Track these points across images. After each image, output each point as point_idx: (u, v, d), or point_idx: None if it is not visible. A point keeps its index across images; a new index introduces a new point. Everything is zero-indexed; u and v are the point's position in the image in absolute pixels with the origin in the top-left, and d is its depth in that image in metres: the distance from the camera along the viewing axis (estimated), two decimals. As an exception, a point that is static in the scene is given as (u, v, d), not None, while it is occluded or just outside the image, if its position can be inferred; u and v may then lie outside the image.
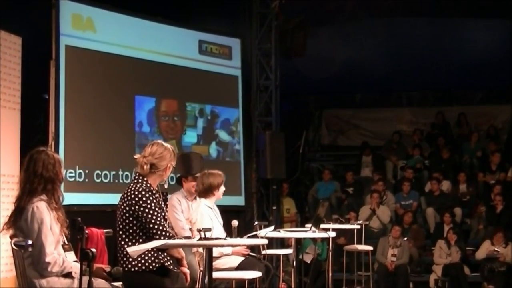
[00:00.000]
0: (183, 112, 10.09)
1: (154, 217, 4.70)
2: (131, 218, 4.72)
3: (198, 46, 10.36)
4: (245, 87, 11.05)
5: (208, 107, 10.41)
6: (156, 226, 4.70)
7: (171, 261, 4.81)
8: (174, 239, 4.71)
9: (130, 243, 4.70)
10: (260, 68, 11.48)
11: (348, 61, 13.37)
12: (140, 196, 4.71)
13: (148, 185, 4.80)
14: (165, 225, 4.74)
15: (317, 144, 15.56)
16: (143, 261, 4.69)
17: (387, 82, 14.57)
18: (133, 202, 4.71)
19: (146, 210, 4.69)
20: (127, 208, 4.72)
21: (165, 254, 4.78)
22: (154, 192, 4.80)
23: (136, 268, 4.67)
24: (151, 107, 9.67)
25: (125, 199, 4.74)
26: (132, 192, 4.73)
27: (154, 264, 4.70)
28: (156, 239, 4.66)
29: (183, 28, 10.16)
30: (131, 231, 4.73)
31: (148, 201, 4.71)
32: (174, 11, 10.00)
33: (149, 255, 4.69)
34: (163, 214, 4.81)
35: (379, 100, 15.75)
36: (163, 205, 4.87)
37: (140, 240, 4.69)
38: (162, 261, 4.72)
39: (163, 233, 4.70)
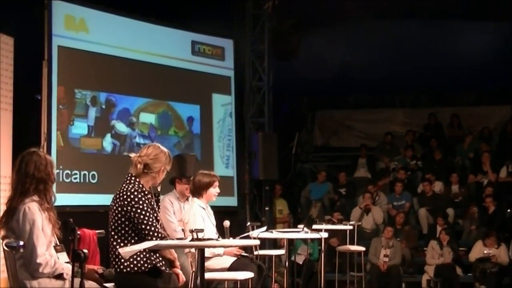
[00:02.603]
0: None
1: (146, 218, 4.70)
2: (123, 219, 4.72)
3: (191, 46, 10.35)
4: (238, 87, 11.05)
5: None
6: (148, 227, 4.69)
7: (163, 262, 4.82)
8: (166, 240, 4.71)
9: (122, 244, 4.70)
10: (253, 69, 11.49)
11: (341, 63, 13.38)
12: (132, 196, 4.71)
13: (141, 185, 4.80)
14: (157, 226, 4.74)
15: (310, 145, 15.57)
16: (135, 262, 4.69)
17: (380, 83, 14.59)
18: (125, 202, 4.71)
19: (138, 210, 4.69)
20: (120, 209, 4.72)
21: (157, 255, 4.79)
22: (146, 193, 4.80)
23: (128, 269, 4.68)
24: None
25: (118, 200, 4.74)
26: (124, 192, 4.73)
27: (146, 265, 4.70)
28: (148, 240, 4.66)
29: (176, 29, 10.15)
30: (123, 231, 4.73)
31: (140, 202, 4.71)
32: (167, 12, 10.00)
33: (141, 256, 4.70)
34: (155, 215, 4.81)
35: (372, 101, 15.77)
36: (155, 206, 4.88)
37: (132, 241, 4.69)
38: (154, 262, 4.72)
39: (155, 234, 4.70)
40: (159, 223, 4.86)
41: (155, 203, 4.90)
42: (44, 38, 8.35)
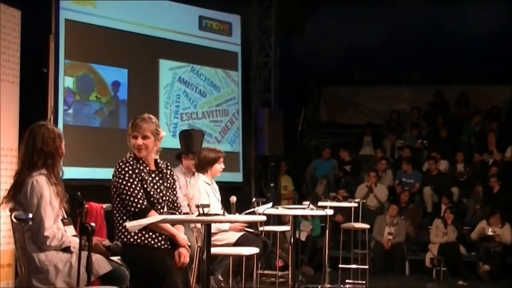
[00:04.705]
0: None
1: (127, 188, 4.67)
2: (116, 193, 4.74)
3: (199, 22, 10.32)
4: (244, 64, 11.02)
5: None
6: (127, 197, 4.67)
7: (160, 238, 4.77)
8: (149, 212, 4.68)
9: (124, 217, 4.71)
10: (260, 45, 11.45)
11: (348, 40, 13.33)
12: (120, 169, 4.72)
13: (140, 162, 4.79)
14: (141, 197, 4.68)
15: (316, 121, 15.54)
16: (139, 235, 4.70)
17: (387, 61, 14.54)
18: (113, 177, 4.74)
19: (120, 180, 4.69)
20: (113, 184, 4.75)
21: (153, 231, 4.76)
22: (138, 165, 4.75)
23: (132, 240, 4.67)
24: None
25: (113, 175, 4.78)
26: (116, 167, 4.76)
27: (149, 240, 4.71)
28: (128, 210, 4.66)
29: (184, 3, 10.11)
30: (119, 205, 4.74)
31: (123, 172, 4.69)
32: (174, -14, 9.95)
33: (147, 229, 4.70)
34: (155, 186, 4.79)
35: (378, 78, 15.71)
36: (156, 178, 4.85)
37: (128, 214, 4.69)
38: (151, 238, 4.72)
39: (134, 204, 4.66)
40: (170, 198, 4.86)
41: (169, 180, 4.90)
42: (51, 11, 8.33)
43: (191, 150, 7.23)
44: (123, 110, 9.22)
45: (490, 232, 10.55)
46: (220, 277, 7.09)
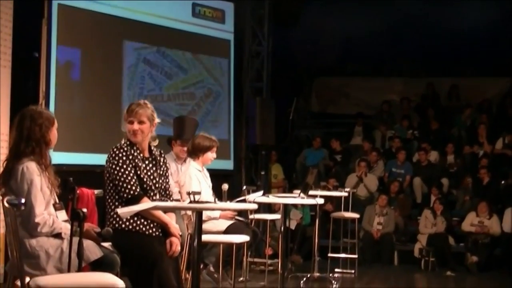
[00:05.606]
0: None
1: (120, 174, 4.68)
2: (110, 179, 4.74)
3: (192, 8, 10.28)
4: (237, 52, 11.00)
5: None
6: (120, 183, 4.68)
7: (152, 225, 4.77)
8: (142, 198, 4.68)
9: (117, 203, 4.71)
10: (252, 33, 11.43)
11: (341, 31, 13.35)
12: (114, 155, 4.72)
13: (135, 148, 4.79)
14: (134, 183, 4.69)
15: (307, 111, 15.55)
16: (131, 221, 4.71)
17: (379, 52, 14.56)
18: (108, 160, 4.75)
19: (113, 166, 4.70)
20: (106, 170, 4.75)
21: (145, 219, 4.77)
22: (132, 151, 4.75)
23: (124, 226, 4.68)
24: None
25: (106, 161, 4.78)
26: (109, 153, 4.76)
27: (141, 226, 4.72)
28: (121, 196, 4.67)
29: (177, -10, 10.09)
30: (112, 191, 4.75)
31: (117, 158, 4.70)
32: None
33: (139, 216, 4.70)
34: (149, 173, 4.79)
35: (370, 70, 15.72)
36: (159, 170, 4.86)
37: (120, 200, 4.70)
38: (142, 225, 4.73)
39: (127, 190, 4.67)
40: (162, 181, 4.87)
41: (162, 167, 4.90)
42: (43, -5, 8.29)
43: (181, 137, 7.23)
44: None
45: (477, 222, 10.61)
46: (211, 268, 7.11)
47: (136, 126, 4.77)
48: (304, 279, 8.54)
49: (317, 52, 14.01)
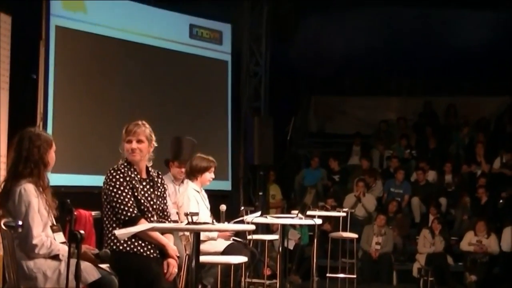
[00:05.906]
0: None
1: (117, 196, 4.67)
2: (107, 201, 4.74)
3: (189, 30, 10.33)
4: (234, 71, 11.03)
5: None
6: (118, 205, 4.67)
7: (149, 246, 4.76)
8: (139, 220, 4.67)
9: (114, 225, 4.70)
10: (250, 53, 11.47)
11: (338, 48, 13.37)
12: (111, 177, 4.72)
13: (132, 169, 4.79)
14: (131, 205, 4.68)
15: (305, 130, 15.56)
16: (129, 242, 4.70)
17: (376, 70, 14.58)
18: (105, 181, 4.74)
19: (110, 188, 4.69)
20: (104, 191, 4.75)
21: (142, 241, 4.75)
22: (130, 173, 4.75)
23: (121, 248, 4.67)
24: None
25: (104, 182, 4.77)
26: (107, 174, 4.76)
27: (138, 248, 4.71)
28: (119, 218, 4.66)
29: (174, 11, 10.13)
30: (109, 213, 4.74)
31: (114, 180, 4.69)
32: (165, -6, 9.97)
33: (137, 237, 4.69)
34: (147, 194, 4.79)
35: (368, 87, 15.75)
36: (147, 187, 4.85)
37: (117, 222, 4.69)
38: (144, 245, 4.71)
39: (124, 212, 4.65)
40: (160, 206, 4.86)
41: (160, 189, 4.89)
42: (41, 17, 8.33)
43: (178, 157, 7.23)
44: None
45: (476, 241, 10.60)
46: (210, 288, 7.09)
47: (134, 145, 4.77)
48: (303, 299, 8.51)
49: (315, 69, 14.02)
